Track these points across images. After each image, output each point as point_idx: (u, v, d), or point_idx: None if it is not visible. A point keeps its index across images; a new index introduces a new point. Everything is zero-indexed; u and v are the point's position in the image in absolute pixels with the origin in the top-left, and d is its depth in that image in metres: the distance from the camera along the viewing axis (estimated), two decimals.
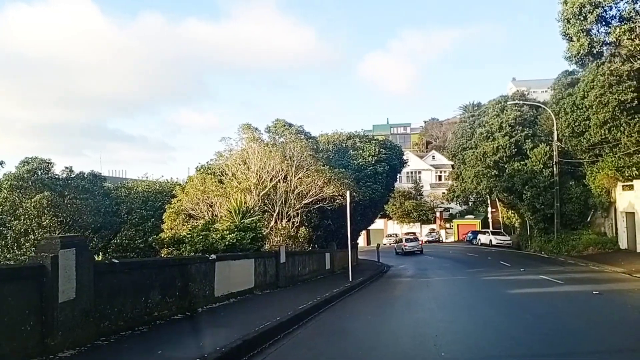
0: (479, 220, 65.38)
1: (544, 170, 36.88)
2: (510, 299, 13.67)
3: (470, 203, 58.08)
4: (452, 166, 59.74)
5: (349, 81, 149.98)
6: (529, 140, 38.53)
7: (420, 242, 44.89)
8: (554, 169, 36.26)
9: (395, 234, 68.12)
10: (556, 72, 40.74)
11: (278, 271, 15.54)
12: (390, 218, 71.24)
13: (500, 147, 38.46)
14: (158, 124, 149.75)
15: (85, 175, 26.15)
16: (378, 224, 71.70)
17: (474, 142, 42.40)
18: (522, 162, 38.16)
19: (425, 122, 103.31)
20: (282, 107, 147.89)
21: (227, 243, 12.77)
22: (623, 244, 32.95)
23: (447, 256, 38.91)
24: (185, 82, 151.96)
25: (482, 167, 39.98)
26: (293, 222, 21.25)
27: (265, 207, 21.28)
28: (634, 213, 31.32)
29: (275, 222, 20.91)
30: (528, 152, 38.02)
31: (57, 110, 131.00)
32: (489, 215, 65.37)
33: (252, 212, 17.93)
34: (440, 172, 77.33)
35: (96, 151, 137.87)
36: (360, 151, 26.72)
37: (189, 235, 13.03)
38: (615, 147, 33.34)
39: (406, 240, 43.96)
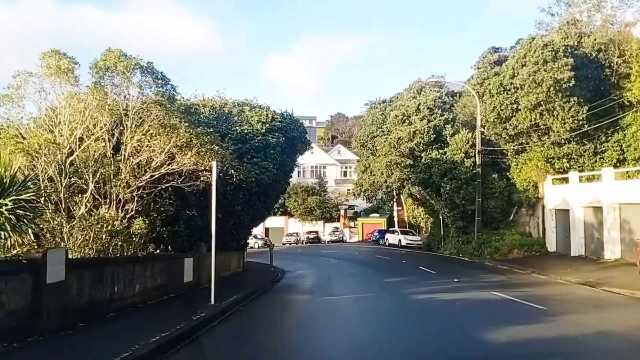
0: (385, 219, 60.90)
1: (465, 160, 31.89)
2: None
3: (379, 198, 52.71)
4: (358, 160, 54.29)
5: (253, 78, 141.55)
6: (449, 125, 33.43)
7: None
8: (477, 159, 31.36)
9: (297, 233, 61.29)
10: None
11: (40, 300, 7.59)
12: (292, 215, 64.40)
13: (417, 131, 32.90)
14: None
15: None
16: (278, 221, 64.61)
17: (387, 127, 36.63)
18: (440, 151, 32.96)
19: (331, 116, 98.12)
20: None
21: None
22: (552, 246, 28.71)
23: (354, 259, 32.69)
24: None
25: (395, 155, 34.19)
26: (127, 210, 13.24)
27: (83, 185, 13.02)
28: (568, 210, 27.01)
29: (96, 208, 12.75)
30: (448, 139, 32.88)
31: None
32: (395, 214, 61.03)
33: (31, 184, 9.81)
34: (346, 167, 72.17)
35: None
36: (247, 117, 19.24)
37: None
38: (545, 135, 29.06)
39: None
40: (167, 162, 13.12)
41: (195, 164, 13.70)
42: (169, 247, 15.53)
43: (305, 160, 74.50)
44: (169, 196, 14.70)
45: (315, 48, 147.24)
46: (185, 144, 13.20)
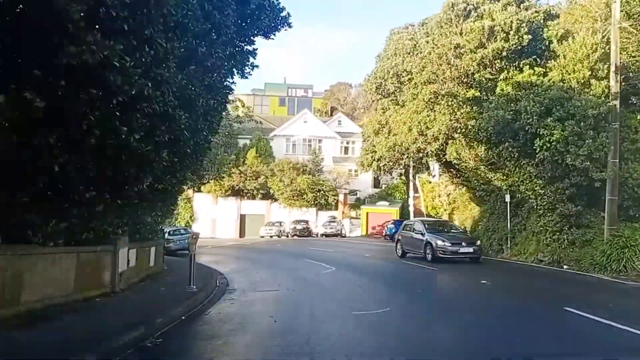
0: (397, 209, 45.93)
1: (591, 84, 16.40)
2: None
3: (398, 174, 37.16)
4: (369, 119, 38.82)
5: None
6: (555, 23, 17.85)
7: None
8: (612, 82, 15.82)
9: (280, 222, 45.69)
10: None
11: None
12: (276, 199, 48.97)
13: (499, 30, 17.30)
14: None
15: None
16: (258, 206, 49.31)
17: (432, 39, 20.90)
18: (538, 69, 17.40)
19: (331, 85, 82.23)
20: None
21: None
22: None
23: (364, 268, 17.26)
24: None
25: (449, 75, 18.52)
26: None
27: None
28: None
29: None
30: (555, 45, 17.32)
31: None
32: (411, 202, 45.93)
33: None
34: (347, 142, 56.91)
35: None
36: None
37: None
38: None
39: None
40: None
41: None
42: None
43: (296, 130, 58.92)
44: None
45: (309, 35, 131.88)
46: None
